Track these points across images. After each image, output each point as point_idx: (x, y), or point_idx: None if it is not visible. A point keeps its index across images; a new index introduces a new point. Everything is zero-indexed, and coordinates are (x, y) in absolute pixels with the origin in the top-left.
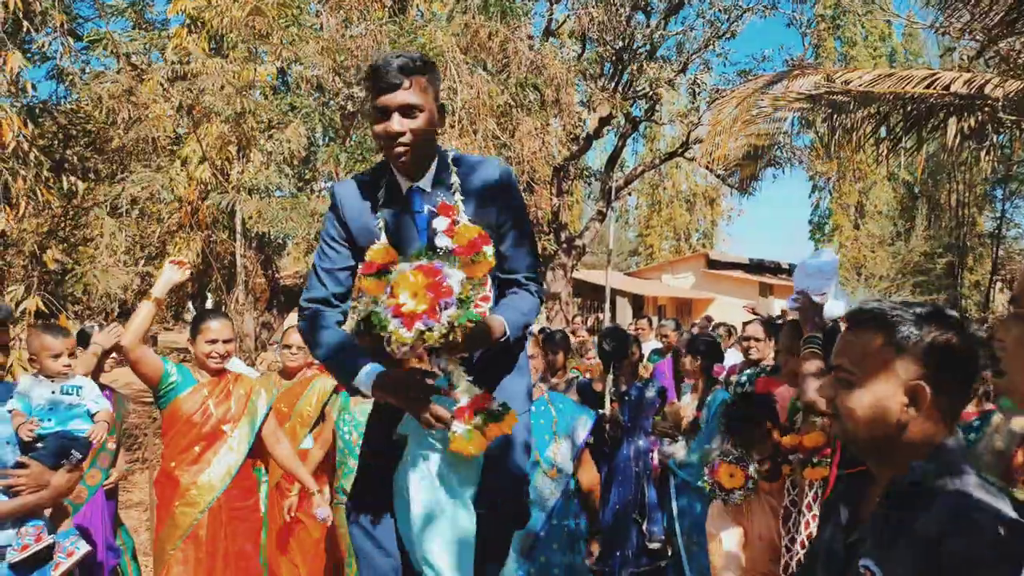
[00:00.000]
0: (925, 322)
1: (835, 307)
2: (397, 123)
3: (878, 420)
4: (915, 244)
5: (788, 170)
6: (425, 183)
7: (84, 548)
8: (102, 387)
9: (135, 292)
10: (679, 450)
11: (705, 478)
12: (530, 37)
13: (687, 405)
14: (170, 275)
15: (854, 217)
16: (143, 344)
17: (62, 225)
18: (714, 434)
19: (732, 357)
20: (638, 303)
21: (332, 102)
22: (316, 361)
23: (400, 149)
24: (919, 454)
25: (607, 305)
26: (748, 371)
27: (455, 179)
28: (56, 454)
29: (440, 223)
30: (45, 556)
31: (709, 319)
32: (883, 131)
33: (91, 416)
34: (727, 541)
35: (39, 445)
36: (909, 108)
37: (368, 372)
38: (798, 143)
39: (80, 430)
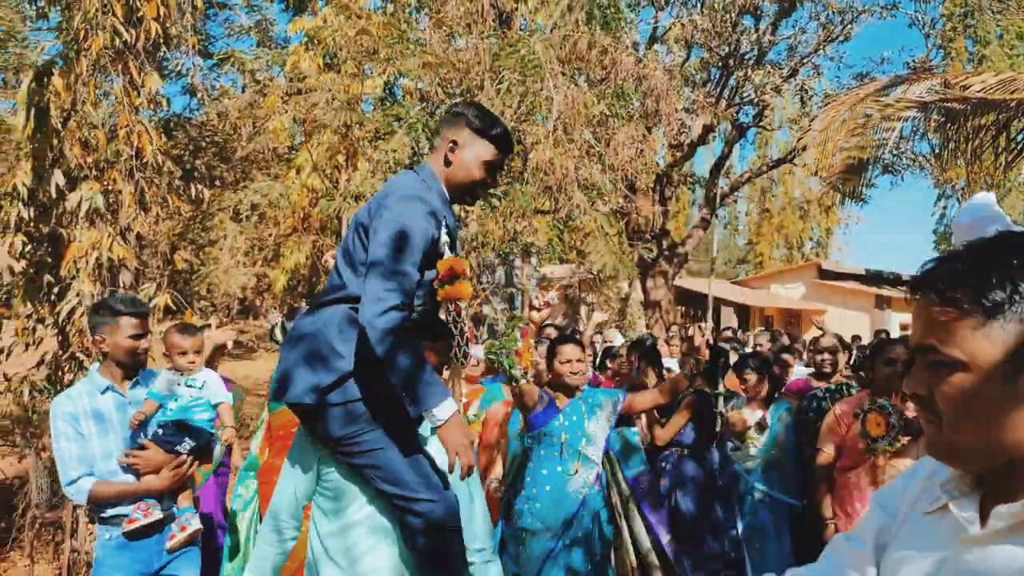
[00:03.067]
0: None
1: None
2: (493, 180)
3: None
4: None
5: (908, 177)
6: None
7: (196, 525)
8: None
9: (252, 290)
10: (748, 458)
11: (858, 430)
12: (635, 44)
13: (747, 414)
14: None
15: None
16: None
17: (191, 228)
18: (777, 440)
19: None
20: (744, 313)
21: (436, 112)
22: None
23: (481, 195)
24: None
25: (709, 314)
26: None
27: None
28: (172, 440)
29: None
30: (157, 527)
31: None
32: (1003, 140)
33: (213, 407)
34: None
35: (159, 431)
36: None
37: (449, 407)
38: (919, 149)
39: (201, 420)
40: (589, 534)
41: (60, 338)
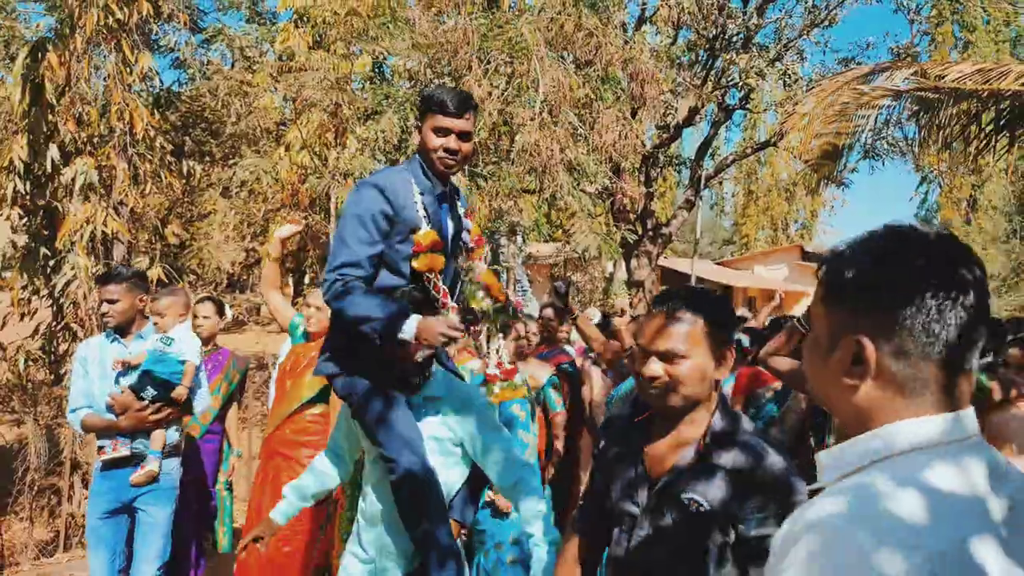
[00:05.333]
0: None
1: None
2: (455, 142)
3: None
4: None
5: (890, 162)
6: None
7: (152, 467)
8: (218, 348)
9: (242, 265)
10: None
11: None
12: (623, 24)
13: None
14: (279, 232)
15: (965, 211)
16: (273, 291)
17: (181, 202)
18: None
19: None
20: (727, 294)
21: (425, 92)
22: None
23: (451, 163)
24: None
25: None
26: None
27: (460, 197)
28: (141, 388)
29: (468, 223)
30: (128, 463)
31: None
32: (973, 130)
33: (180, 363)
34: None
35: (135, 379)
36: (1003, 106)
37: (412, 320)
38: (900, 135)
39: (165, 373)
40: None
41: (54, 309)
